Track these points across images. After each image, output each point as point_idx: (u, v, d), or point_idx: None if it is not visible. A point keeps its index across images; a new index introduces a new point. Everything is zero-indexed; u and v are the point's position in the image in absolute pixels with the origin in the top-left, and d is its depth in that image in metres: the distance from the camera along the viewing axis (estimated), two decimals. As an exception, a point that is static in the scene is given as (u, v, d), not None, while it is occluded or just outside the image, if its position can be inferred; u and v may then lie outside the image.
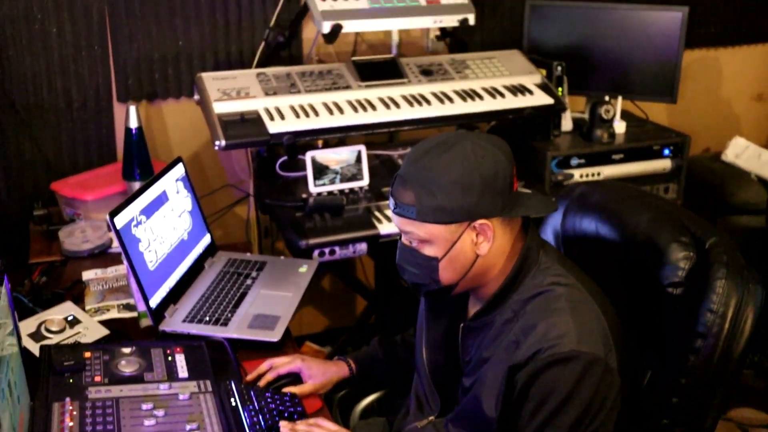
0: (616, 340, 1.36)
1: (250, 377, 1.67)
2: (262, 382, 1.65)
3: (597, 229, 1.60)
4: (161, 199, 1.96)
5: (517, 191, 1.44)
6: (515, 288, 1.42)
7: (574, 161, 2.67)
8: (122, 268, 2.10)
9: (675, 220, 1.51)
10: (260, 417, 1.48)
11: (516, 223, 1.45)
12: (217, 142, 2.21)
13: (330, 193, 2.38)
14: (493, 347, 1.42)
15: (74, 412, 1.43)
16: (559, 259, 1.47)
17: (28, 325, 1.80)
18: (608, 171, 2.71)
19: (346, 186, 2.41)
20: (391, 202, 1.43)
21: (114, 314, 1.92)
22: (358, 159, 2.42)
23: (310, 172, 2.36)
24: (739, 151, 3.37)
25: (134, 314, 1.90)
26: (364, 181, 2.42)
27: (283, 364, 1.69)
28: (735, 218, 3.15)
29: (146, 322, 1.84)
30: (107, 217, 1.73)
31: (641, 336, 1.48)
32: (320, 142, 2.54)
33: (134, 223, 1.81)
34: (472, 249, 1.40)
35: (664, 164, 2.78)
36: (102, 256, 2.22)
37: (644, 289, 1.48)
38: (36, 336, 1.78)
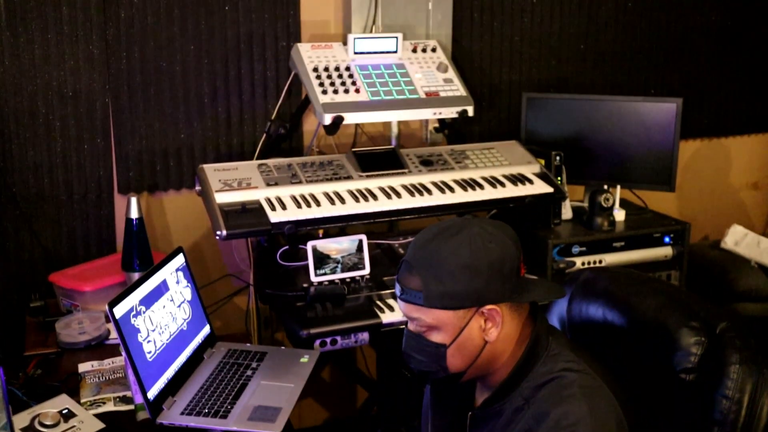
0: (631, 426, 1.32)
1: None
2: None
3: (604, 315, 1.58)
4: (161, 289, 1.94)
5: (525, 277, 1.43)
6: (525, 375, 1.39)
7: (576, 249, 2.67)
8: (119, 360, 2.06)
9: (683, 305, 1.49)
10: None
11: (524, 309, 1.43)
12: (218, 232, 2.20)
13: (331, 282, 2.36)
14: (503, 436, 1.38)
15: None
16: (569, 344, 1.45)
17: (21, 419, 1.75)
18: (610, 258, 2.70)
19: (348, 275, 2.39)
20: (397, 288, 1.41)
21: (110, 407, 1.86)
22: (360, 248, 2.42)
23: (311, 261, 2.34)
24: (738, 239, 3.38)
25: (131, 407, 1.85)
26: (366, 270, 2.41)
27: (284, 458, 1.64)
28: (740, 306, 3.13)
29: (143, 414, 1.79)
30: (106, 307, 1.70)
31: (655, 424, 1.43)
32: (321, 232, 2.53)
33: (133, 313, 1.79)
34: (480, 335, 1.38)
35: (665, 251, 2.78)
36: (99, 348, 2.18)
37: (655, 375, 1.45)
38: (29, 431, 1.73)
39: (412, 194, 2.44)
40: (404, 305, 1.40)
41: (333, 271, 2.38)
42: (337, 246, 2.40)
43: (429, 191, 2.46)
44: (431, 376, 1.45)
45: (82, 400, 1.88)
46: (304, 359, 2.06)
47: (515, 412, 1.38)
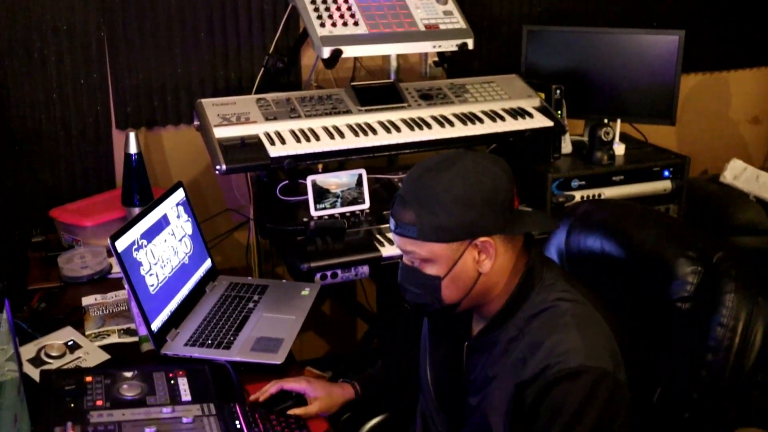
0: (625, 355, 1.35)
1: (253, 397, 1.64)
2: (264, 396, 1.62)
3: (602, 246, 1.60)
4: (162, 224, 1.95)
5: (518, 209, 1.44)
6: (519, 305, 1.41)
7: (575, 183, 2.67)
8: (122, 294, 2.08)
9: (681, 236, 1.50)
10: (265, 440, 1.45)
11: (518, 241, 1.44)
12: (217, 167, 2.20)
13: (331, 216, 2.37)
14: (498, 365, 1.40)
15: (76, 437, 1.40)
16: (563, 275, 1.46)
17: (27, 351, 1.78)
18: (609, 192, 2.71)
19: (347, 209, 2.40)
20: (391, 222, 1.42)
21: (114, 339, 1.89)
22: (359, 182, 2.42)
23: (311, 195, 2.35)
24: (738, 173, 3.38)
25: (135, 339, 1.88)
26: (365, 205, 2.42)
27: (288, 382, 1.67)
28: (737, 239, 3.15)
29: (147, 346, 1.82)
30: (108, 240, 1.71)
31: (651, 352, 1.46)
32: (320, 167, 2.53)
33: (135, 247, 1.80)
34: (474, 267, 1.39)
35: (664, 185, 2.78)
36: (101, 282, 2.21)
37: (652, 305, 1.47)
38: (36, 361, 1.76)
39: (411, 128, 2.43)
40: (399, 239, 1.41)
41: (333, 206, 2.38)
42: (337, 180, 2.40)
43: (428, 125, 2.45)
44: (426, 308, 1.46)
45: (87, 333, 1.91)
46: (305, 292, 2.08)
47: (510, 342, 1.40)
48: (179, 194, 2.08)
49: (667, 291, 1.43)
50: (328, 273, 2.20)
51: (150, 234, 1.87)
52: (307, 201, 2.37)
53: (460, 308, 1.44)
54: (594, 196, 2.69)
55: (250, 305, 2.00)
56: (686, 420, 1.39)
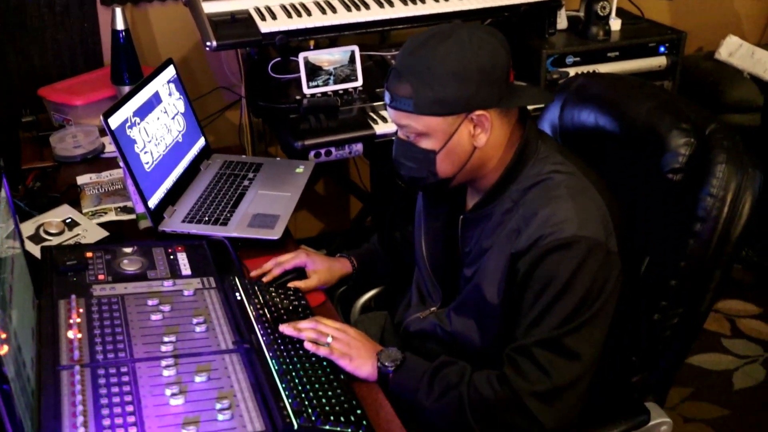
0: (616, 226, 1.38)
1: (254, 273, 1.68)
2: (267, 278, 1.66)
3: (596, 120, 1.60)
4: (154, 101, 1.93)
5: (514, 83, 1.43)
6: (514, 178, 1.42)
7: (570, 59, 2.64)
8: (117, 173, 2.09)
9: (675, 109, 1.50)
10: (266, 310, 1.50)
11: (513, 115, 1.44)
12: (207, 43, 2.16)
13: (324, 94, 2.35)
14: (493, 237, 1.43)
15: (81, 309, 1.44)
16: (558, 148, 1.47)
17: (26, 228, 1.80)
18: (603, 69, 2.68)
19: (340, 87, 2.37)
20: (386, 96, 1.41)
21: (112, 217, 1.91)
22: (352, 59, 2.38)
23: (303, 73, 2.32)
24: (733, 50, 3.34)
25: (132, 216, 1.90)
26: (358, 82, 2.39)
27: (288, 260, 1.70)
28: (729, 117, 3.15)
29: (145, 223, 1.84)
30: (101, 118, 1.70)
31: (641, 222, 1.49)
32: (312, 43, 2.49)
33: (128, 124, 1.79)
34: (469, 141, 1.39)
35: (659, 61, 2.75)
36: (94, 161, 2.21)
37: (645, 177, 1.49)
38: (35, 238, 1.78)
39: (405, 3, 2.38)
40: (394, 113, 1.41)
41: (325, 83, 2.36)
42: (329, 57, 2.37)
43: (422, 0, 2.40)
44: (421, 182, 1.47)
45: (84, 211, 1.93)
46: (300, 169, 2.09)
47: (505, 214, 1.42)
48: (170, 71, 2.05)
49: (660, 163, 1.44)
50: (322, 151, 2.21)
51: (142, 112, 1.86)
52: (299, 79, 2.34)
53: (454, 182, 1.45)
54: (589, 72, 2.66)
55: (246, 183, 2.01)
56: (673, 287, 1.43)
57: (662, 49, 2.76)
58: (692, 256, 1.41)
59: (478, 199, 1.48)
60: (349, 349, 1.41)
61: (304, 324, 1.46)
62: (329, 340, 1.41)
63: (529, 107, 1.49)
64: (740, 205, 1.39)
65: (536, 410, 1.32)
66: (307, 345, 1.39)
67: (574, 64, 2.65)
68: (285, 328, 1.43)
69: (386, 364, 1.40)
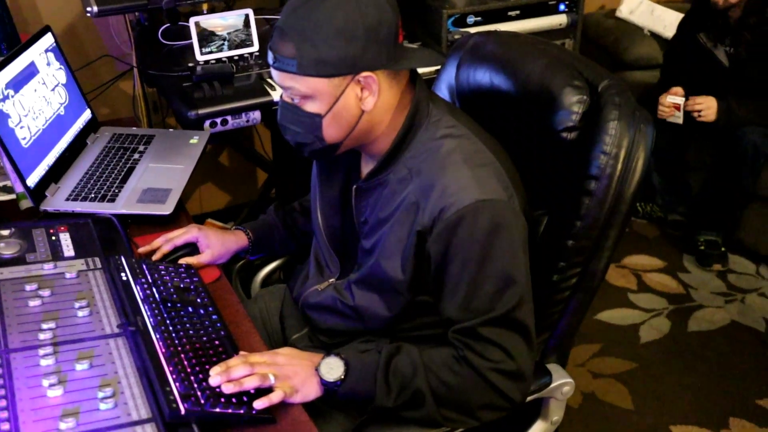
0: (515, 186, 1.35)
1: (142, 250, 1.60)
2: (157, 255, 1.58)
3: (491, 79, 1.56)
4: (30, 72, 1.80)
5: (403, 44, 1.37)
6: (407, 145, 1.38)
7: (471, 19, 2.61)
8: (-5, 150, 1.95)
9: (568, 66, 1.48)
10: (154, 289, 1.42)
11: (403, 78, 1.38)
12: (88, 9, 2.04)
13: (218, 60, 2.25)
14: (389, 207, 1.38)
15: (-50, 299, 1.34)
16: (450, 109, 1.43)
17: None
18: (505, 28, 2.66)
19: (235, 53, 2.28)
20: (269, 56, 1.33)
21: (-10, 197, 1.80)
22: (246, 23, 2.29)
23: (195, 38, 2.22)
24: (634, 7, 3.38)
25: (13, 196, 1.78)
26: (254, 47, 2.31)
27: (178, 235, 1.62)
28: (629, 74, 3.19)
29: (26, 203, 1.73)
30: (-32, 91, 1.58)
31: (537, 183, 1.47)
32: (205, 7, 2.38)
33: (1, 97, 1.67)
34: (356, 104, 1.33)
35: (560, 19, 2.75)
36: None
37: (540, 137, 1.47)
38: None
39: (299, -37, 2.29)
40: (278, 74, 1.33)
41: (219, 49, 2.26)
42: (222, 22, 2.27)
43: (317, -40, 2.31)
44: (308, 148, 1.40)
45: (-41, 192, 1.80)
46: (194, 140, 2.00)
47: (400, 182, 1.37)
48: (47, 39, 1.92)
49: (553, 122, 1.42)
50: (218, 120, 2.12)
51: (17, 84, 1.74)
52: (191, 45, 2.24)
53: (342, 148, 1.39)
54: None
55: (136, 156, 1.91)
56: (570, 248, 1.42)
57: (562, 7, 2.76)
58: (588, 216, 1.39)
59: (372, 167, 1.43)
60: (290, 380, 1.28)
61: (234, 368, 1.24)
62: (272, 380, 1.26)
63: (424, 69, 1.44)
64: (633, 162, 1.38)
65: (504, 388, 1.32)
66: (258, 403, 1.22)
67: (476, 24, 2.62)
68: (218, 382, 1.22)
69: (330, 380, 1.31)
